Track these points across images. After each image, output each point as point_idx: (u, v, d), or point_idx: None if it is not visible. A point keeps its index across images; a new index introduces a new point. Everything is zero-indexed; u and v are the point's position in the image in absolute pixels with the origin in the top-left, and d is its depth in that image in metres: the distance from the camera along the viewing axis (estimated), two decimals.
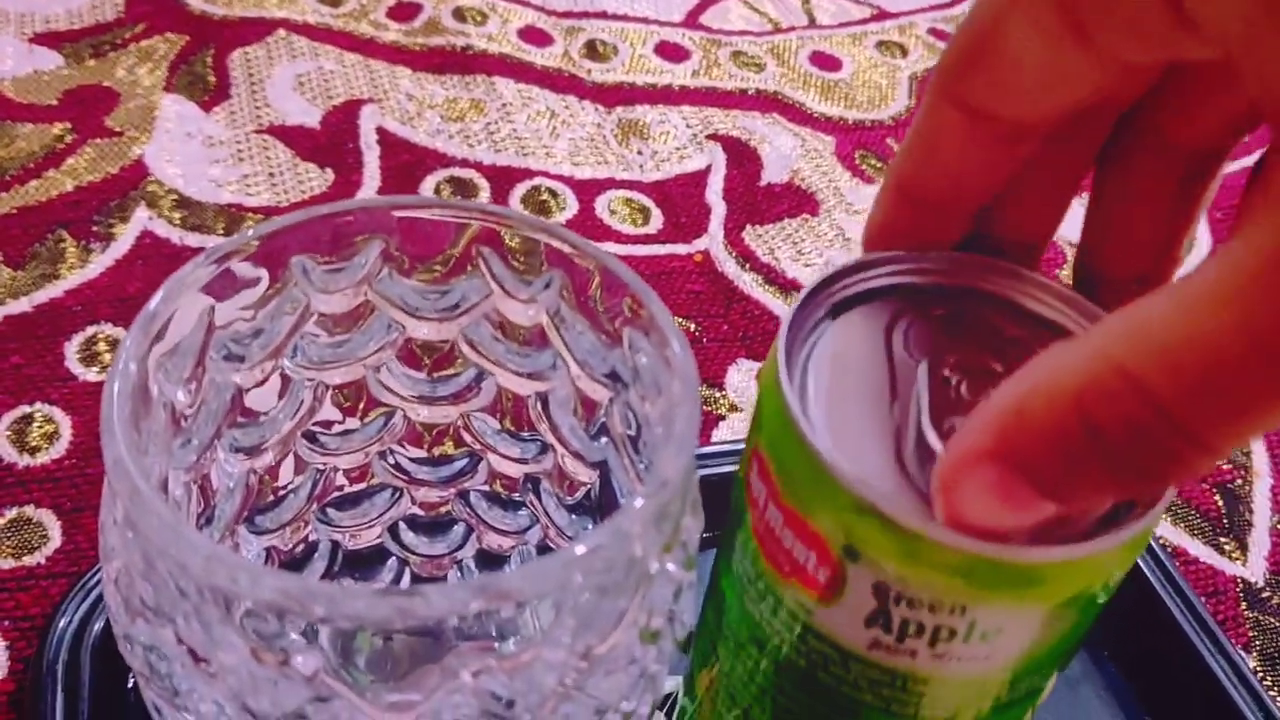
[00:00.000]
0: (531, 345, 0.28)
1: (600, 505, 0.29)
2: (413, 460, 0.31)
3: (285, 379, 0.28)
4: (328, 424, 0.30)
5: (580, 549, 0.20)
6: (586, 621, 0.21)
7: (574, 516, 0.30)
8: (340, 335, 0.28)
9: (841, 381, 0.24)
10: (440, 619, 0.19)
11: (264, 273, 0.25)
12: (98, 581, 0.35)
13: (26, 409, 0.43)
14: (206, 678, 0.21)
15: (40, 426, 0.43)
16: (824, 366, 0.24)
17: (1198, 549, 0.47)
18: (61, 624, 0.34)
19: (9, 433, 0.42)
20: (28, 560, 0.39)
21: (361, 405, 0.29)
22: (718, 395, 0.49)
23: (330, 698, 0.21)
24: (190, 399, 0.25)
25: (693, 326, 0.52)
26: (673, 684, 0.35)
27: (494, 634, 0.23)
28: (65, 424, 0.43)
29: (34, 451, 0.42)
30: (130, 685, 0.33)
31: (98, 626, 0.34)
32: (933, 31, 0.74)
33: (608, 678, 0.23)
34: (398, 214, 0.26)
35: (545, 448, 0.29)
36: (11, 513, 0.40)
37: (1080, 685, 0.40)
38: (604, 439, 0.28)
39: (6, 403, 0.43)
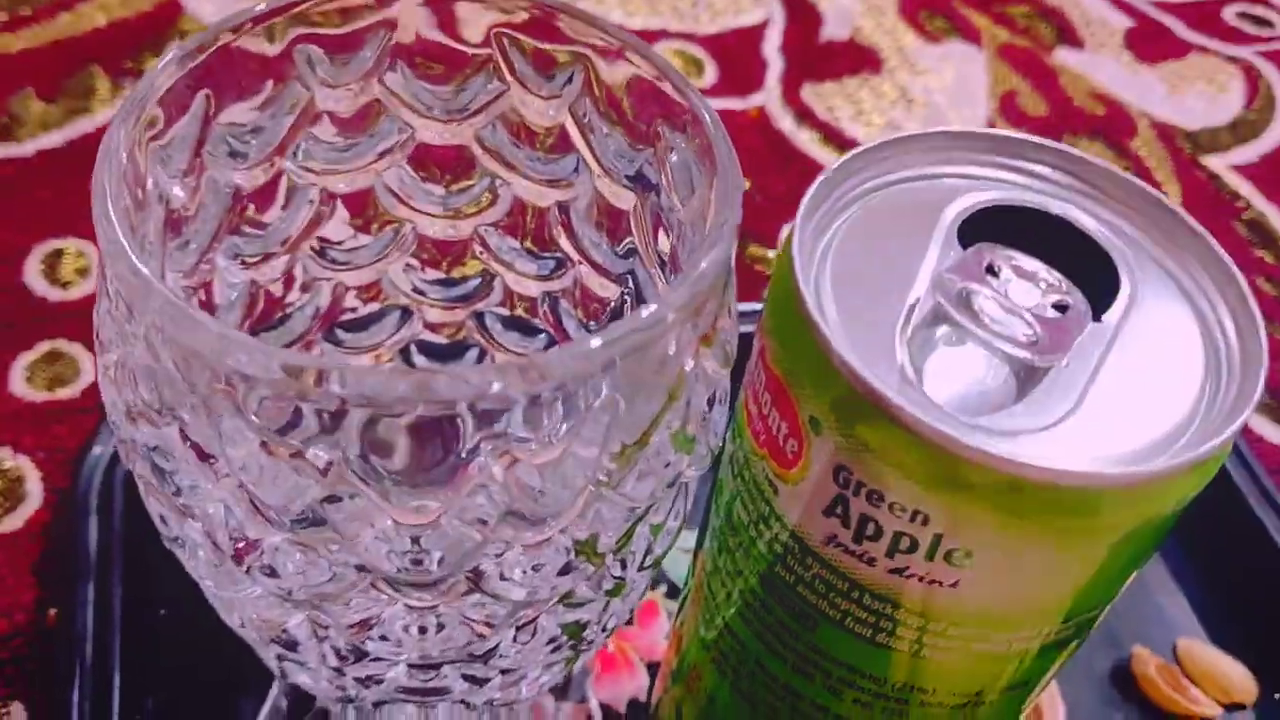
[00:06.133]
0: (552, 150, 0.26)
1: None
2: (425, 280, 0.29)
3: (290, 185, 0.26)
4: (335, 240, 0.28)
5: (612, 333, 0.18)
6: (619, 419, 0.20)
7: None
8: (346, 138, 0.26)
9: (863, 255, 0.22)
10: (463, 399, 0.17)
11: (265, 62, 0.24)
12: None
13: (57, 243, 0.42)
14: (214, 477, 0.20)
15: (72, 261, 0.42)
16: (849, 235, 0.22)
17: (1265, 428, 0.44)
18: (95, 453, 0.34)
19: (41, 266, 0.42)
20: (61, 393, 0.38)
21: (370, 217, 0.28)
22: (769, 255, 0.47)
23: (346, 496, 0.19)
24: (188, 197, 0.24)
25: (747, 184, 0.50)
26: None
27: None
28: (96, 259, 0.42)
29: (65, 286, 0.41)
30: None
31: None
32: None
33: (641, 480, 0.21)
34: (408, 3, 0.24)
35: (564, 263, 0.28)
36: (45, 346, 0.40)
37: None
38: (631, 255, 0.26)
39: (37, 236, 0.42)
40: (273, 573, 0.20)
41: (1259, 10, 0.65)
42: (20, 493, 0.36)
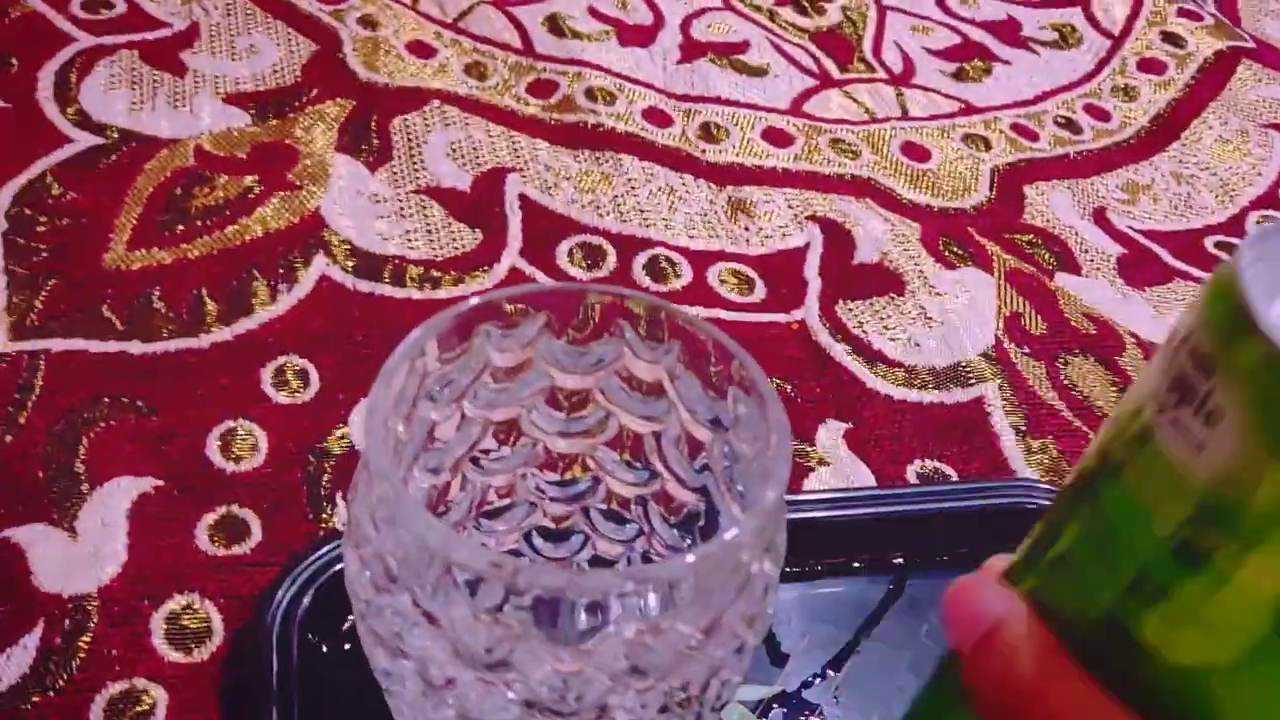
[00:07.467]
0: (651, 395, 0.36)
1: (702, 523, 0.37)
2: (548, 482, 0.39)
3: (463, 416, 0.36)
4: (487, 451, 0.38)
5: (704, 552, 0.28)
6: (707, 605, 0.29)
7: (676, 532, 0.38)
8: (505, 383, 0.36)
9: None
10: (602, 591, 0.27)
11: (457, 338, 0.34)
12: (304, 568, 0.44)
13: (231, 423, 0.52)
14: (435, 632, 0.29)
15: (243, 438, 0.52)
16: None
17: None
18: (277, 597, 0.43)
19: (219, 442, 0.52)
20: (236, 550, 0.48)
21: (514, 437, 0.38)
22: (808, 450, 0.57)
23: (525, 647, 0.28)
24: (405, 431, 0.34)
25: (788, 387, 0.60)
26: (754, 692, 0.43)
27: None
28: (263, 438, 0.52)
29: (238, 460, 0.51)
30: (325, 650, 0.42)
31: (305, 602, 0.43)
32: (1015, 127, 0.81)
33: (718, 647, 0.30)
34: (559, 294, 0.34)
35: (654, 475, 0.37)
36: (222, 510, 0.49)
37: None
38: (705, 471, 0.36)
39: (217, 417, 0.53)
40: (462, 702, 0.30)
41: (1236, 240, 0.75)
42: (207, 630, 0.46)
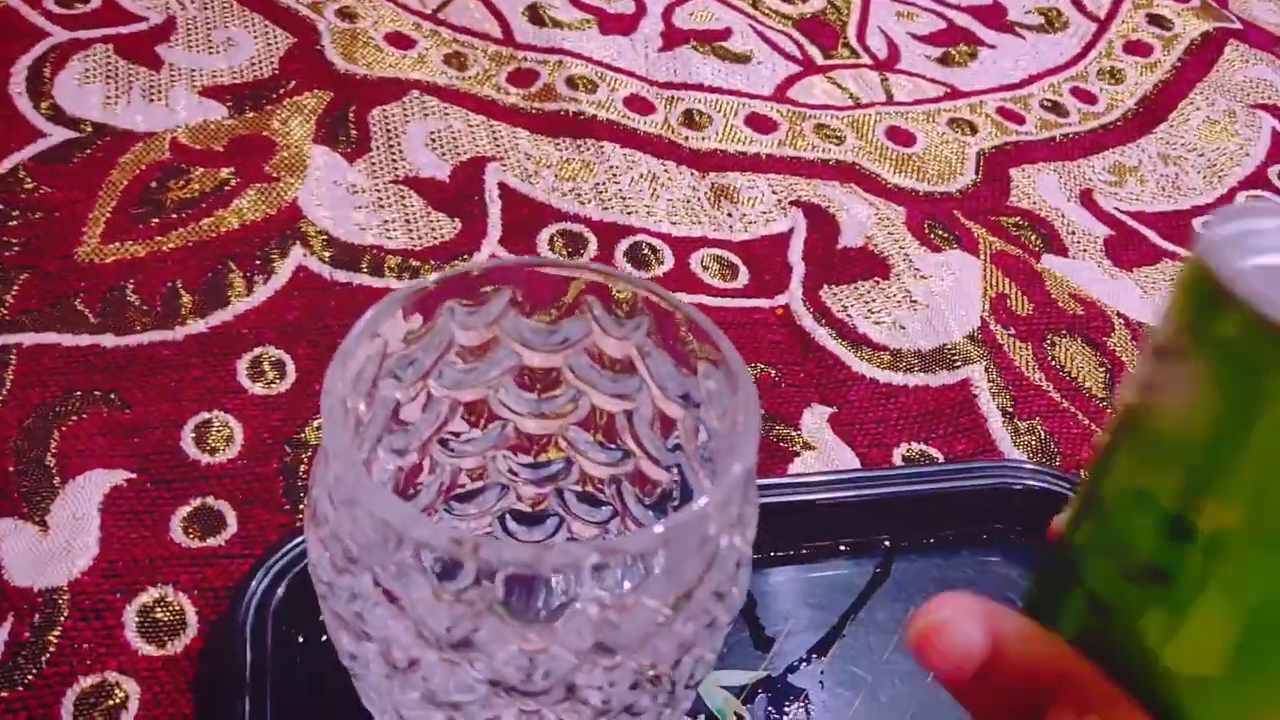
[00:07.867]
0: (622, 373, 0.35)
1: (676, 502, 0.36)
2: (520, 464, 0.38)
3: (429, 396, 0.35)
4: (456, 433, 0.37)
5: (671, 523, 0.27)
6: (675, 579, 0.28)
7: (651, 512, 0.37)
8: (472, 363, 0.35)
9: None
10: (568, 566, 0.26)
11: (420, 316, 0.33)
12: (278, 559, 0.43)
13: (206, 415, 0.52)
14: (396, 612, 0.28)
15: (218, 430, 0.51)
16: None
17: None
18: (250, 588, 0.42)
19: (193, 434, 0.51)
20: (210, 541, 0.47)
21: (483, 418, 0.37)
22: (793, 434, 0.56)
23: (488, 626, 0.28)
24: (367, 411, 0.33)
25: (772, 372, 0.59)
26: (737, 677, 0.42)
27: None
28: (238, 430, 0.51)
29: (213, 451, 0.50)
30: (299, 641, 0.41)
31: (279, 593, 0.42)
32: (1001, 111, 0.80)
33: (688, 623, 0.30)
34: (524, 270, 0.34)
35: (627, 454, 0.37)
36: (196, 502, 0.49)
37: None
38: (678, 450, 0.35)
39: (191, 409, 0.52)
40: (427, 683, 0.29)
41: None
42: (180, 623, 0.45)
